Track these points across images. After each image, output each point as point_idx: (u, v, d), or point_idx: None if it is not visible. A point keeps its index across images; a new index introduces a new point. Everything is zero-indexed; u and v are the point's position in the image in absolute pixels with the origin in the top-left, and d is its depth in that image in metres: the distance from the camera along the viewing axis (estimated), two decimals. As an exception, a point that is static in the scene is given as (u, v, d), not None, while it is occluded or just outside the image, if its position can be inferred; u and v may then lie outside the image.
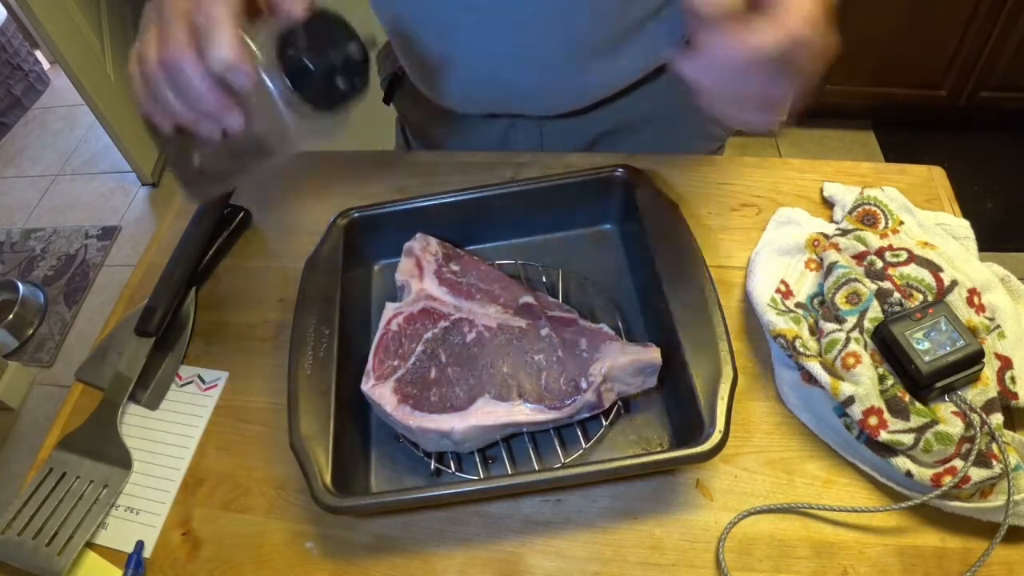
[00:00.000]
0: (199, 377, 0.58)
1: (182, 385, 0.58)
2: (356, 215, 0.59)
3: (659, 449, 0.50)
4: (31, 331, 1.87)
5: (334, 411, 0.48)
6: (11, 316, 1.84)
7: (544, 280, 0.60)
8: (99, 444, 0.54)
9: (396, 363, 0.50)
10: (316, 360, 0.50)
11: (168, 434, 0.55)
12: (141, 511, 0.51)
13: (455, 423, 0.46)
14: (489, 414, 0.47)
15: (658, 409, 0.52)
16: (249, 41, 0.38)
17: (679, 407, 0.50)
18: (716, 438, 0.44)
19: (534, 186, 0.59)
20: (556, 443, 0.50)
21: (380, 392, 0.49)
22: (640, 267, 0.57)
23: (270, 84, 0.38)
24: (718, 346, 0.48)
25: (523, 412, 0.47)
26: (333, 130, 0.41)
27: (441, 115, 0.74)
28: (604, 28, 0.61)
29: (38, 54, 2.66)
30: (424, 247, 0.57)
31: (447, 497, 0.45)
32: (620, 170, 0.59)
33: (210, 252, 0.64)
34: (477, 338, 0.51)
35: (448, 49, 0.64)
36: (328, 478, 0.45)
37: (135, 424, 0.56)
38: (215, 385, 0.57)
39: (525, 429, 0.49)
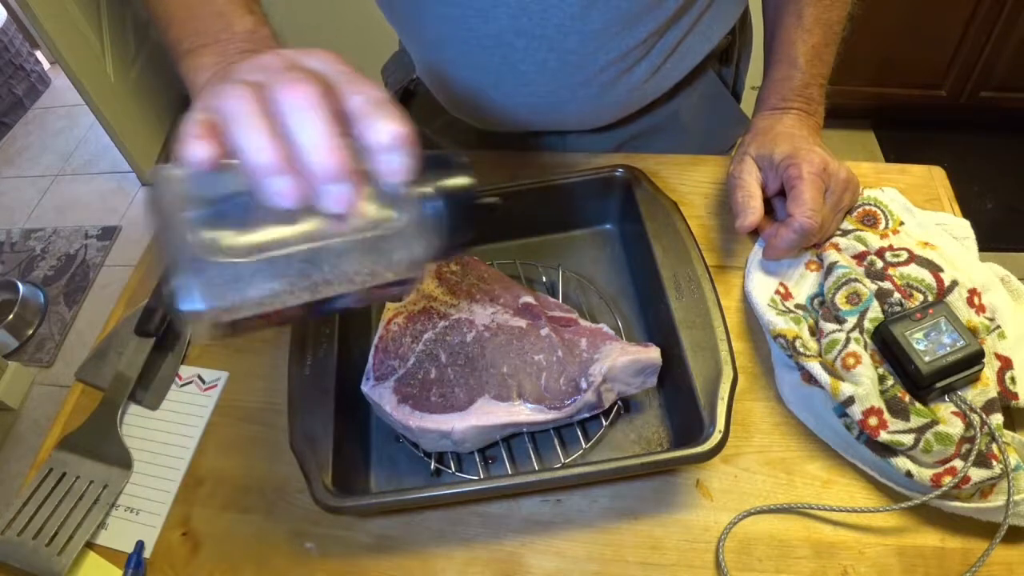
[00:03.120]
0: (199, 377, 0.58)
1: (182, 385, 0.58)
2: None
3: (659, 449, 0.50)
4: (31, 331, 1.87)
5: (334, 411, 0.48)
6: (11, 316, 1.83)
7: (544, 280, 0.59)
8: (99, 444, 0.54)
9: (396, 363, 0.50)
10: (316, 360, 0.50)
11: (168, 434, 0.55)
12: (141, 511, 0.51)
13: (455, 423, 0.46)
14: (489, 414, 0.47)
15: (658, 409, 0.52)
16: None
17: (679, 407, 0.50)
18: (716, 438, 0.44)
19: (534, 186, 0.59)
20: (556, 443, 0.50)
21: (380, 392, 0.49)
22: (640, 267, 0.57)
23: (422, 201, 0.32)
24: (718, 346, 0.48)
25: (523, 412, 0.47)
26: (426, 269, 0.37)
27: (459, 130, 0.74)
28: (636, 50, 0.61)
29: (38, 54, 2.66)
30: None
31: (447, 497, 0.45)
32: (620, 170, 0.59)
33: (210, 252, 0.64)
34: (477, 338, 0.51)
35: (492, 78, 0.64)
36: (328, 478, 0.45)
37: (135, 424, 0.56)
38: (215, 385, 0.57)
39: (525, 429, 0.49)
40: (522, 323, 0.51)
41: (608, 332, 0.51)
